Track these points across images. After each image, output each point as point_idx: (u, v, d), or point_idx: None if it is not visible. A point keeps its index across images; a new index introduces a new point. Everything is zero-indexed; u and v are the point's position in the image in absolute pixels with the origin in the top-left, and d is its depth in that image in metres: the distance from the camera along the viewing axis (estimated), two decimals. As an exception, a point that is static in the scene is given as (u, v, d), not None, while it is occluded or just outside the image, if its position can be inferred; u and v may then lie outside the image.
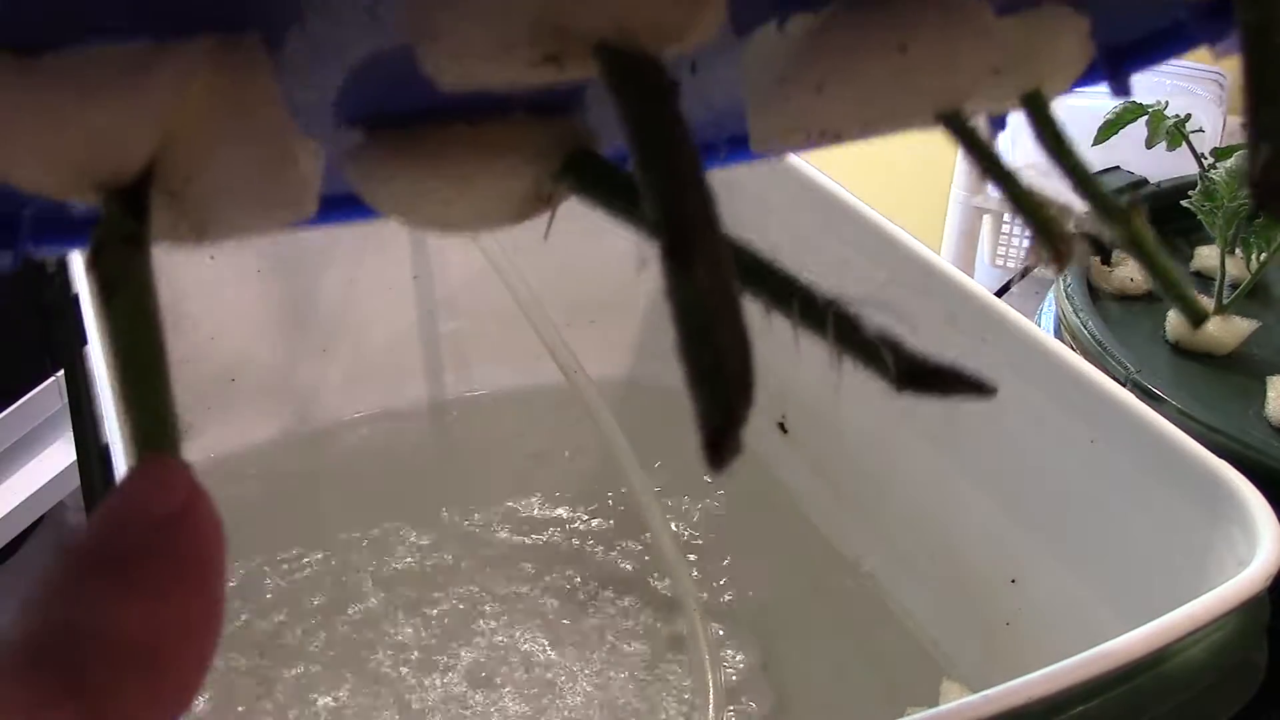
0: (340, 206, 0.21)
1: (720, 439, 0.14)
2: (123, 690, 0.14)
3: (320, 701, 0.52)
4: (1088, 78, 0.23)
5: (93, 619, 0.14)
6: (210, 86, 0.16)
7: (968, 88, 0.20)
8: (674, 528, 0.61)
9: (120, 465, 0.37)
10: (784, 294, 0.19)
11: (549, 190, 0.20)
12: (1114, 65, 0.24)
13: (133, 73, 0.15)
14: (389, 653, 0.55)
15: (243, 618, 0.55)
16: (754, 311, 0.17)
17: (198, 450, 0.61)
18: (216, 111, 0.16)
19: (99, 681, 0.14)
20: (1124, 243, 0.22)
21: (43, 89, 0.15)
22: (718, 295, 0.14)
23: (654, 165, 0.14)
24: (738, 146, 0.24)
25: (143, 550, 0.15)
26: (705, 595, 0.58)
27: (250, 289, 0.60)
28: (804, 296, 0.18)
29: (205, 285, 0.59)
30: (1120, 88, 0.24)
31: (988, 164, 0.21)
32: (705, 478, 0.64)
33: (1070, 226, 0.21)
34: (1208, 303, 0.58)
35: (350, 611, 0.57)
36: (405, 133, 0.19)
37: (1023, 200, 0.21)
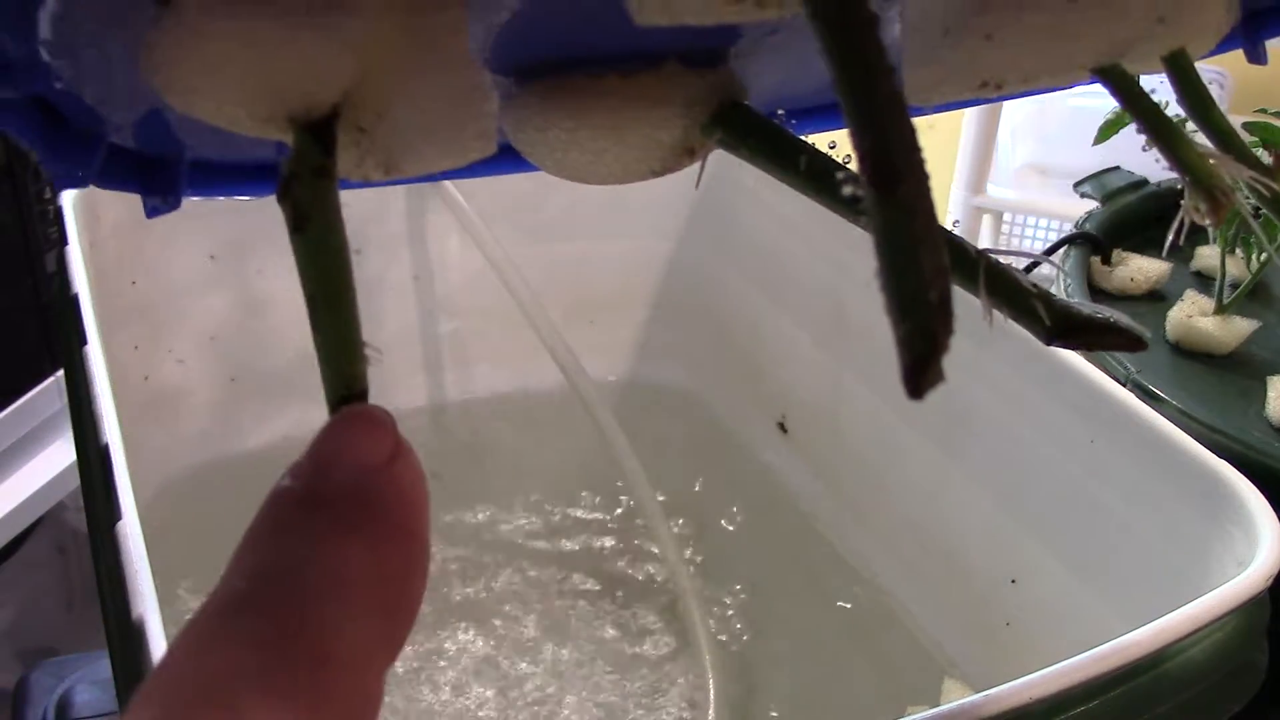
0: (495, 159, 0.21)
1: (923, 366, 0.14)
2: (345, 629, 0.14)
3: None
4: (1226, 42, 0.23)
5: (315, 560, 0.14)
6: (404, 21, 0.16)
7: (1131, 38, 0.20)
8: (673, 528, 0.61)
9: (120, 465, 0.37)
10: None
11: (697, 142, 0.20)
12: (1252, 29, 0.24)
13: (331, 6, 0.15)
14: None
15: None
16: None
17: (197, 451, 0.61)
18: (410, 44, 0.16)
19: (321, 620, 0.14)
20: (1270, 205, 0.22)
21: (248, 21, 0.15)
22: (921, 220, 0.14)
23: (861, 91, 0.14)
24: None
25: (361, 493, 0.15)
26: (705, 594, 0.58)
27: (250, 289, 0.60)
28: (956, 247, 0.18)
29: (204, 285, 0.59)
30: (1255, 53, 0.24)
31: (1147, 115, 0.21)
32: (709, 490, 0.64)
33: (1227, 178, 0.21)
34: (1207, 303, 0.58)
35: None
36: (557, 82, 0.19)
37: (1181, 150, 0.21)
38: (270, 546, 0.15)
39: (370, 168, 0.18)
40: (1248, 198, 0.60)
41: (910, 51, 0.20)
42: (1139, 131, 0.21)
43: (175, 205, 0.21)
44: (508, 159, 0.21)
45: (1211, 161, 0.20)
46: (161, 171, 0.21)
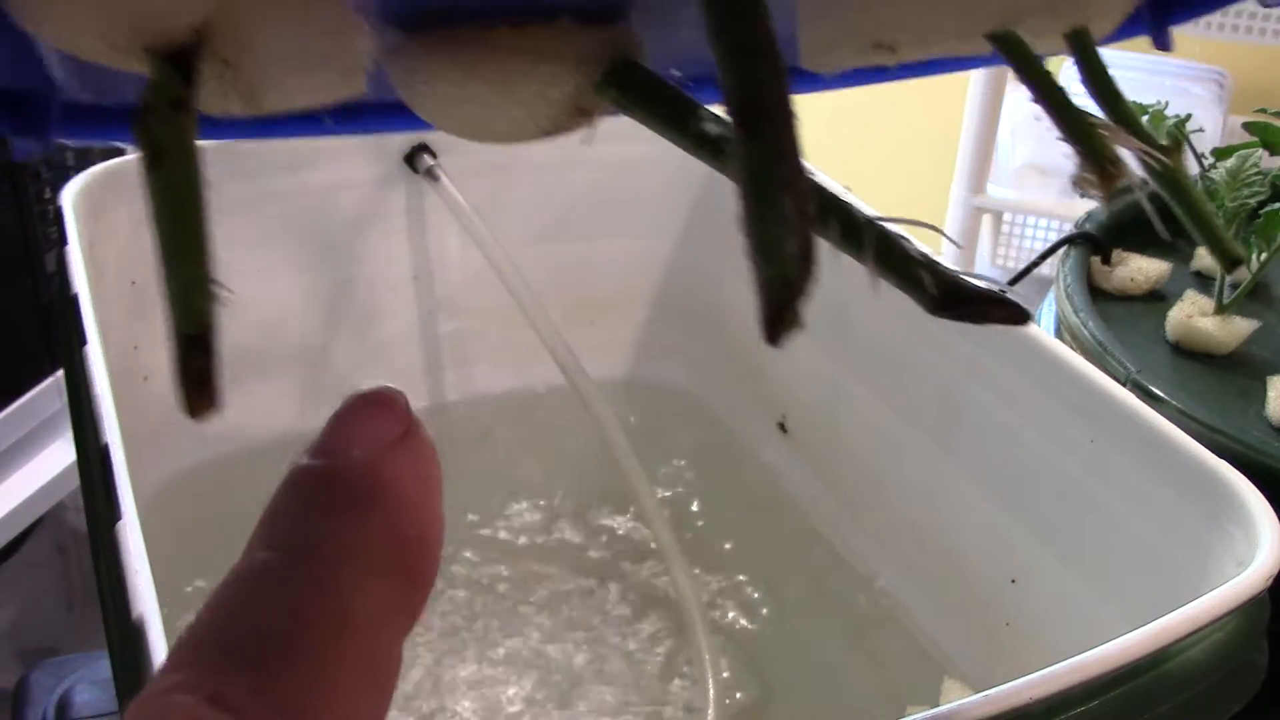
0: (388, 114, 0.21)
1: (781, 311, 0.14)
2: (363, 594, 0.15)
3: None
4: (1132, 27, 0.23)
5: (332, 531, 0.15)
6: None
7: (1028, 4, 0.20)
8: (672, 527, 0.61)
9: (120, 465, 0.37)
10: (824, 210, 0.18)
11: (590, 102, 0.19)
12: (1159, 14, 0.23)
13: None
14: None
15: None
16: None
17: (197, 451, 0.61)
18: None
19: (340, 585, 0.15)
20: (1162, 183, 0.22)
21: None
22: (785, 164, 0.14)
23: (729, 29, 0.14)
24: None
25: (376, 469, 0.16)
26: (705, 594, 0.58)
27: (250, 289, 0.60)
28: (844, 214, 0.18)
29: (205, 285, 0.59)
30: (1161, 39, 0.24)
31: (1040, 85, 0.21)
32: (709, 489, 0.64)
33: (1118, 149, 0.20)
34: (1207, 303, 0.58)
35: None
36: (446, 34, 0.18)
37: (1071, 119, 0.20)
38: (290, 520, 0.15)
39: (234, 101, 0.18)
40: (1249, 199, 0.60)
41: (805, 9, 0.19)
42: (1032, 100, 0.21)
43: (48, 148, 0.20)
44: (402, 114, 0.20)
45: (1104, 134, 0.20)
46: (32, 111, 0.20)
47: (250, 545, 0.15)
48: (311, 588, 0.14)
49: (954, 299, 0.18)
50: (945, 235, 0.20)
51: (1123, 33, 0.23)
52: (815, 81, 0.22)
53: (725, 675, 0.53)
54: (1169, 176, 0.22)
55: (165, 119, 0.16)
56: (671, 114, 0.18)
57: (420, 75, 0.19)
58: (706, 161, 0.19)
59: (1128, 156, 0.21)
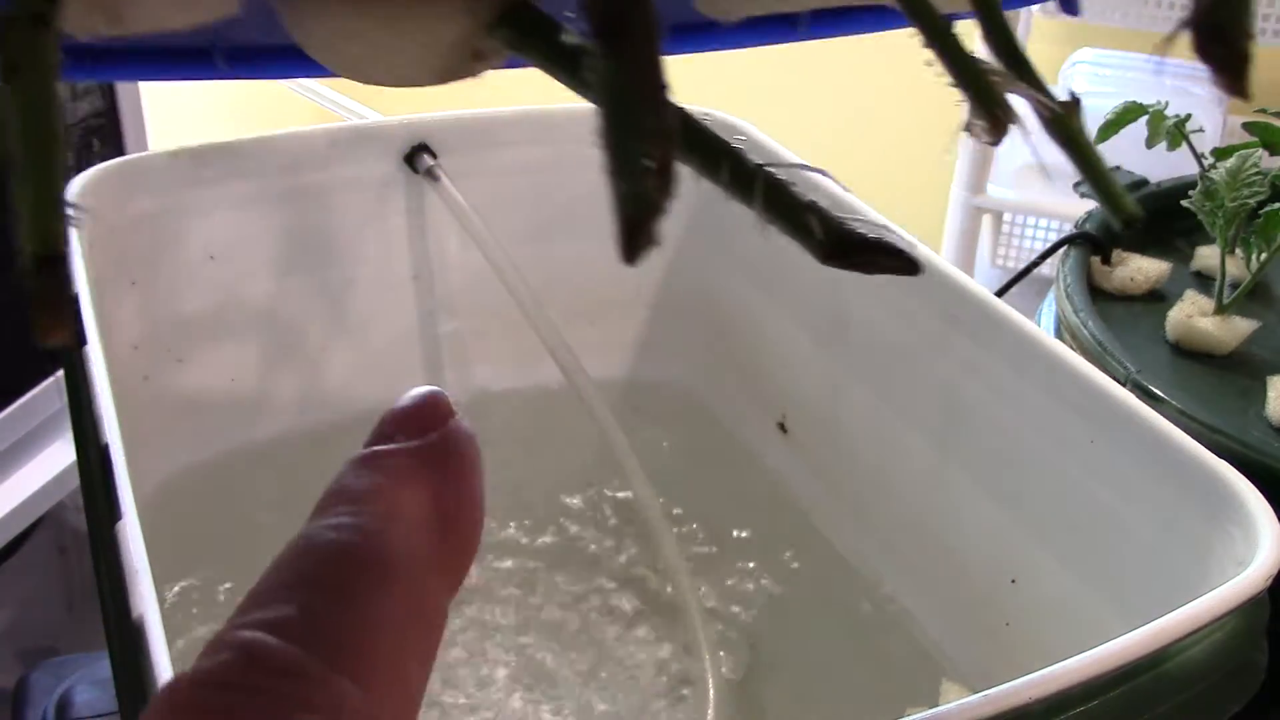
0: (281, 58, 0.21)
1: (636, 231, 0.14)
2: (407, 550, 0.16)
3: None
4: None
5: (377, 501, 0.17)
6: None
7: None
8: (673, 527, 0.61)
9: (120, 465, 0.37)
10: (713, 156, 0.18)
11: (484, 44, 0.19)
12: None
13: None
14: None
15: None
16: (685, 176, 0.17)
17: (197, 451, 0.61)
18: None
19: (384, 544, 0.16)
20: (1059, 138, 0.21)
21: None
22: (643, 77, 0.14)
23: None
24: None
25: (419, 452, 0.18)
26: (704, 594, 0.58)
27: (250, 289, 0.60)
28: (734, 160, 0.18)
29: (204, 285, 0.59)
30: (1069, 4, 0.24)
31: (930, 26, 0.20)
32: (709, 490, 0.64)
33: (1009, 94, 0.20)
34: (1207, 303, 0.58)
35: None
36: None
37: (961, 63, 0.20)
38: (342, 495, 0.17)
39: (98, 20, 0.18)
40: (1249, 199, 0.60)
41: None
42: (924, 45, 0.20)
43: None
44: (296, 59, 0.20)
45: (996, 80, 0.20)
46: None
47: (310, 521, 0.17)
48: (360, 543, 0.16)
49: (843, 247, 0.18)
50: (835, 180, 0.21)
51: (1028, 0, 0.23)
52: (714, 37, 0.23)
53: (725, 675, 0.53)
54: (1063, 126, 0.21)
55: (24, 33, 0.16)
56: (565, 57, 0.18)
57: (309, 12, 0.18)
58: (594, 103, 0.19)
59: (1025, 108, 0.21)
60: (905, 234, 0.19)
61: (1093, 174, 0.21)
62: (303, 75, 0.21)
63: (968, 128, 0.20)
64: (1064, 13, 0.24)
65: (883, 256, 0.18)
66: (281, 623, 0.15)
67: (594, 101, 0.15)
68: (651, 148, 0.14)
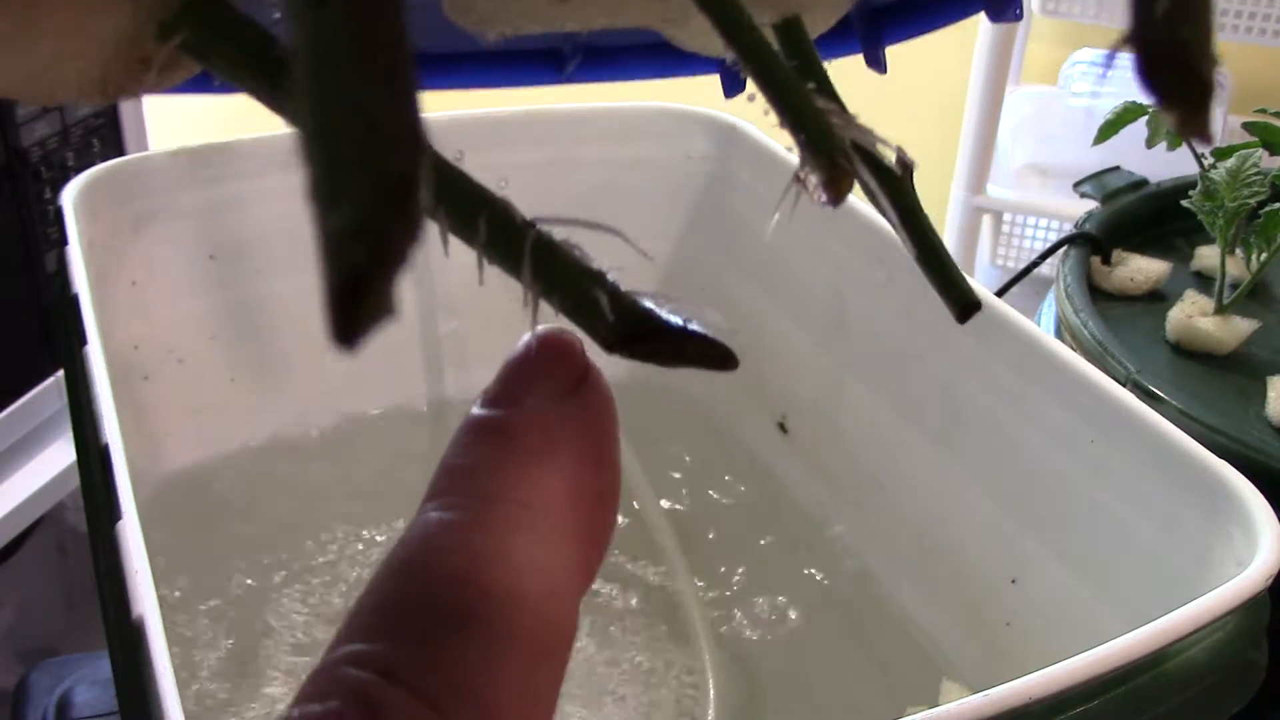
0: None
1: (354, 290, 0.09)
2: (540, 560, 0.14)
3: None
4: (847, 43, 0.21)
5: (508, 493, 0.14)
6: None
7: None
8: (672, 527, 0.61)
9: (120, 465, 0.37)
10: (470, 206, 0.13)
11: (148, 47, 0.14)
12: (874, 32, 0.21)
13: None
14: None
15: (241, 619, 0.55)
16: (434, 238, 0.12)
17: (197, 451, 0.61)
18: None
19: (516, 552, 0.14)
20: (892, 205, 0.18)
21: None
22: (370, 34, 0.09)
23: None
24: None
25: (551, 423, 0.15)
26: (704, 593, 0.58)
27: (249, 289, 0.60)
28: (497, 213, 0.14)
29: (204, 285, 0.59)
30: (873, 57, 0.22)
31: (753, 56, 0.16)
32: (709, 490, 0.64)
33: (851, 140, 0.16)
34: (1207, 303, 0.58)
35: (350, 611, 0.57)
36: None
37: (794, 102, 0.15)
38: (463, 477, 0.15)
39: None
40: (1249, 199, 0.60)
41: None
42: (743, 74, 0.16)
43: None
44: None
45: (834, 121, 0.16)
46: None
47: (425, 500, 0.15)
48: (486, 555, 0.14)
49: (640, 332, 0.14)
50: (624, 236, 0.15)
51: (837, 52, 0.21)
52: (462, 70, 0.20)
53: (725, 674, 0.53)
54: (898, 192, 0.17)
55: None
56: (254, 58, 0.14)
57: None
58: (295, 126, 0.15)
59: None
60: (720, 319, 0.15)
61: (928, 252, 0.18)
62: None
63: (796, 180, 0.16)
64: (870, 68, 0.23)
65: (691, 345, 0.14)
66: (399, 662, 0.13)
67: (296, 112, 0.09)
68: (381, 155, 0.09)
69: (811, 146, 0.15)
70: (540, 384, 0.15)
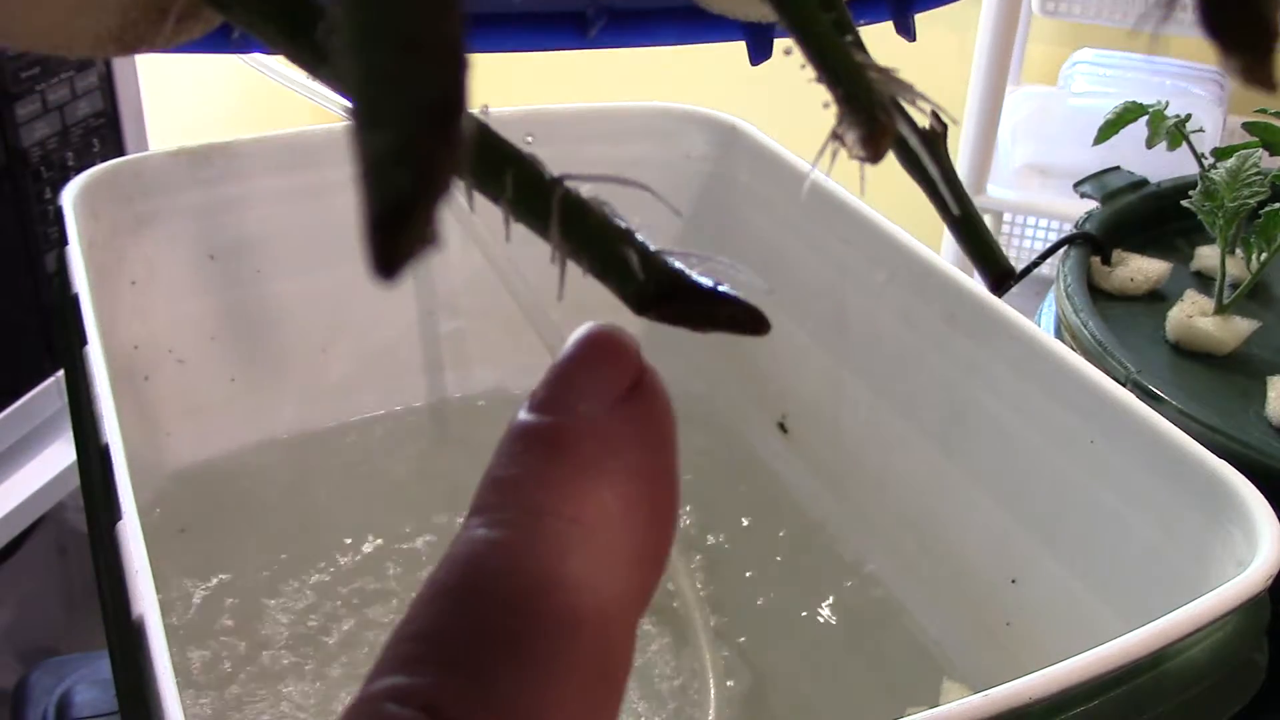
0: None
1: (396, 218, 0.08)
2: (594, 584, 0.13)
3: (326, 702, 0.52)
4: (873, 9, 0.21)
5: (560, 509, 0.13)
6: None
7: None
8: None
9: (120, 465, 0.37)
10: (496, 161, 0.13)
11: None
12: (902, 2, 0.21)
13: None
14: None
15: (240, 619, 0.55)
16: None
17: (196, 452, 0.61)
18: None
19: (567, 578, 0.13)
20: (929, 158, 0.17)
21: None
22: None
23: None
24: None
25: (604, 433, 0.14)
26: (704, 595, 0.58)
27: (249, 289, 0.60)
28: (524, 168, 0.13)
29: (204, 285, 0.59)
30: (902, 24, 0.22)
31: (793, 7, 0.15)
32: (709, 490, 0.64)
33: (899, 99, 0.15)
34: (1207, 303, 0.58)
35: (351, 615, 0.57)
36: None
37: (833, 57, 0.15)
38: (512, 491, 0.14)
39: None
40: (1249, 199, 0.60)
41: None
42: (780, 27, 0.15)
43: None
44: None
45: (873, 75, 0.15)
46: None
47: (470, 515, 0.14)
48: (538, 578, 0.13)
49: (670, 293, 0.13)
50: (652, 192, 0.15)
51: (862, 13, 0.21)
52: (486, 33, 0.19)
53: (725, 674, 0.53)
54: (933, 148, 0.17)
55: None
56: (285, 13, 0.13)
57: None
58: (325, 80, 0.14)
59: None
60: (755, 278, 0.14)
61: (966, 217, 0.17)
62: None
63: (835, 137, 0.15)
64: (900, 35, 0.22)
65: (722, 308, 0.14)
66: (444, 697, 0.12)
67: (338, 65, 0.09)
68: (427, 80, 0.08)
69: (851, 101, 0.15)
70: (593, 388, 0.14)
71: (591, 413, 0.14)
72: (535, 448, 0.14)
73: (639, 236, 0.13)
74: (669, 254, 0.13)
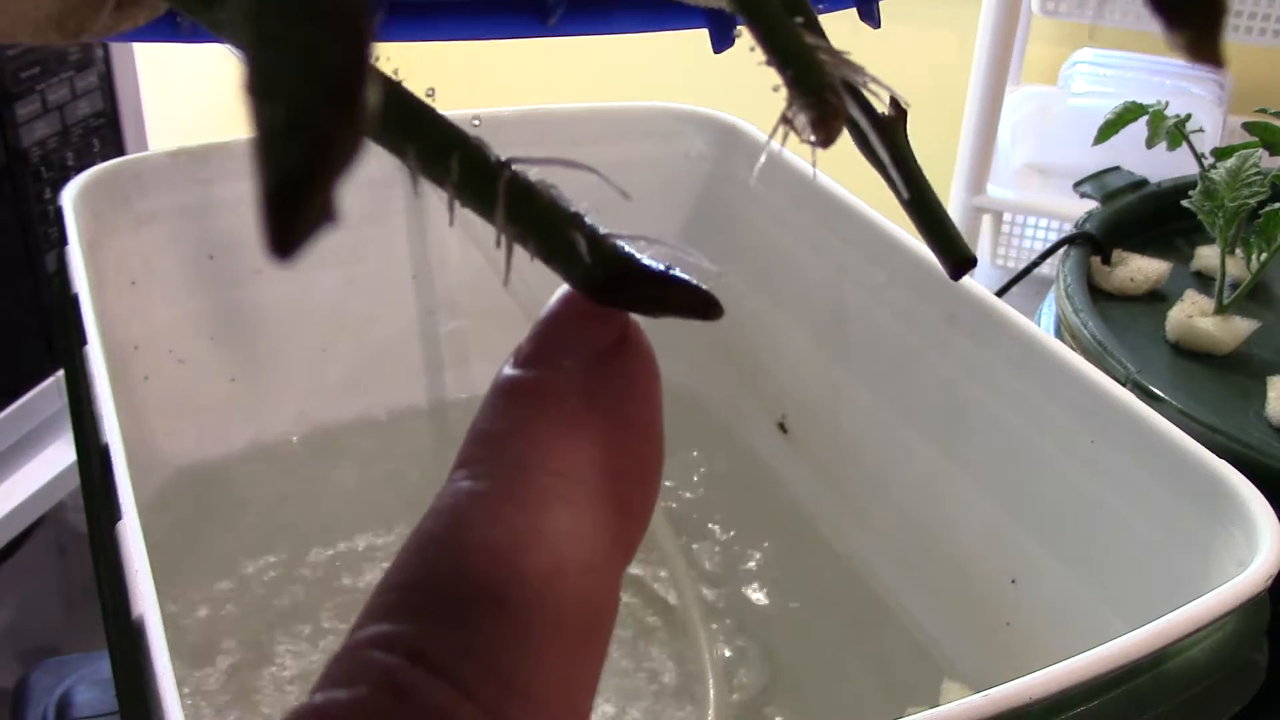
0: None
1: (290, 195, 0.08)
2: (579, 533, 0.13)
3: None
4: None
5: (545, 462, 0.13)
6: None
7: None
8: (672, 527, 0.61)
9: (120, 465, 0.37)
10: (441, 145, 0.13)
11: None
12: None
13: None
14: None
15: (240, 619, 0.55)
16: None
17: (197, 451, 0.61)
18: None
19: (555, 527, 0.13)
20: (885, 148, 0.17)
21: None
22: None
23: None
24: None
25: (589, 386, 0.14)
26: (704, 594, 0.58)
27: (249, 289, 0.60)
28: (470, 153, 0.13)
29: (204, 285, 0.59)
30: (867, 11, 0.21)
31: None
32: (709, 490, 0.64)
33: (844, 80, 0.15)
34: (1207, 303, 0.58)
35: (351, 615, 0.57)
36: None
37: (781, 38, 0.14)
38: (497, 442, 0.14)
39: None
40: (1249, 199, 0.60)
41: None
42: (730, 10, 0.15)
43: None
44: None
45: (824, 58, 0.14)
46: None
47: (455, 468, 0.14)
48: (520, 529, 0.13)
49: (621, 277, 0.13)
50: (608, 180, 0.14)
51: (833, 6, 0.20)
52: (439, 21, 0.19)
53: (725, 675, 0.53)
54: (889, 136, 0.16)
55: None
56: None
57: None
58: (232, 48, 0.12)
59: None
60: (706, 262, 0.15)
61: (922, 202, 0.17)
62: None
63: (784, 120, 0.15)
64: (864, 21, 0.22)
65: (673, 292, 0.14)
66: (428, 644, 0.12)
67: (236, 31, 0.09)
68: (330, 45, 0.08)
69: (800, 84, 0.14)
70: (577, 343, 0.14)
71: (576, 367, 0.14)
72: (519, 401, 0.14)
73: (588, 220, 0.13)
74: (618, 237, 0.13)
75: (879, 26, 0.21)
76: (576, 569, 0.13)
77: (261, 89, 0.08)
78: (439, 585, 0.12)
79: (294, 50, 0.08)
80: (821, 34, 0.15)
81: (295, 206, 0.08)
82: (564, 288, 0.15)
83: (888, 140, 0.16)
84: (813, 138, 0.14)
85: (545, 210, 0.13)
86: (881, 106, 0.17)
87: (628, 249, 0.13)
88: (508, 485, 0.13)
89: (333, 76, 0.08)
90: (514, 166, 0.13)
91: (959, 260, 0.17)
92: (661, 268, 0.13)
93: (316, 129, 0.08)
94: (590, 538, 0.13)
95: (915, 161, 0.17)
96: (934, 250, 0.17)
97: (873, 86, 0.15)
